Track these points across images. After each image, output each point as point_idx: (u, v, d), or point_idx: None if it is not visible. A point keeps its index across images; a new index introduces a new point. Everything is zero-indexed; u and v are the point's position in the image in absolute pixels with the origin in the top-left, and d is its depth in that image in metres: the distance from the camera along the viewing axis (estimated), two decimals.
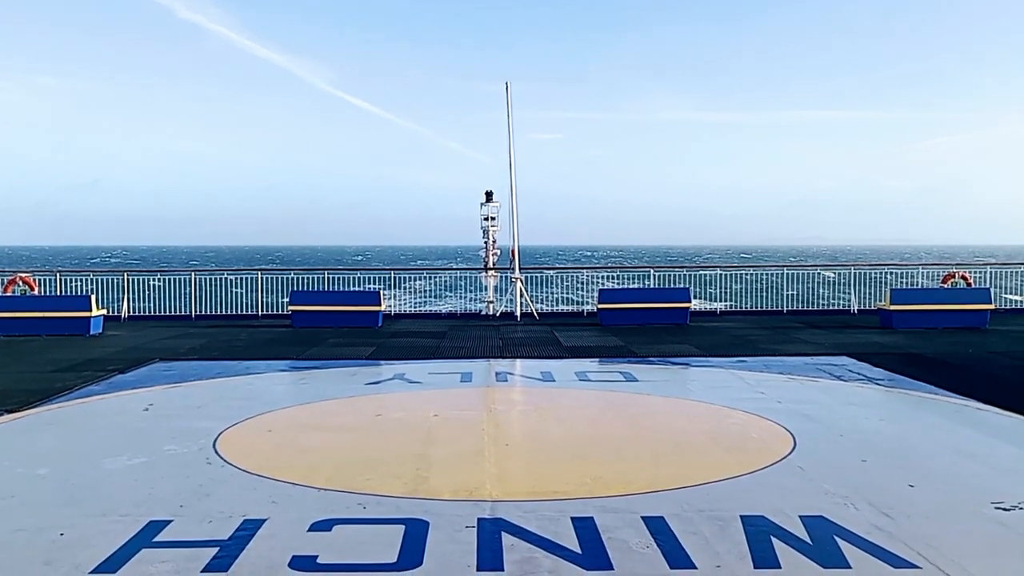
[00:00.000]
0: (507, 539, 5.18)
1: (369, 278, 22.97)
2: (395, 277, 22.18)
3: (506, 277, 20.04)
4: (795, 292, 21.65)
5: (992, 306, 17.66)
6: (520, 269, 19.72)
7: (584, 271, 24.74)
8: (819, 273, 23.40)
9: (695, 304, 19.72)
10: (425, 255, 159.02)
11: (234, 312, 20.68)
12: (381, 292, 19.11)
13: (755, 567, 4.77)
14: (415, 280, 27.08)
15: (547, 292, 23.29)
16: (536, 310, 19.90)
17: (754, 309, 21.61)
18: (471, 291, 23.69)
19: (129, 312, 20.03)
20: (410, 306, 22.35)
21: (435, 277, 27.55)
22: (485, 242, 19.91)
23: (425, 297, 26.14)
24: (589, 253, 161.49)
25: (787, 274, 22.12)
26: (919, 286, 21.04)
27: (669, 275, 22.97)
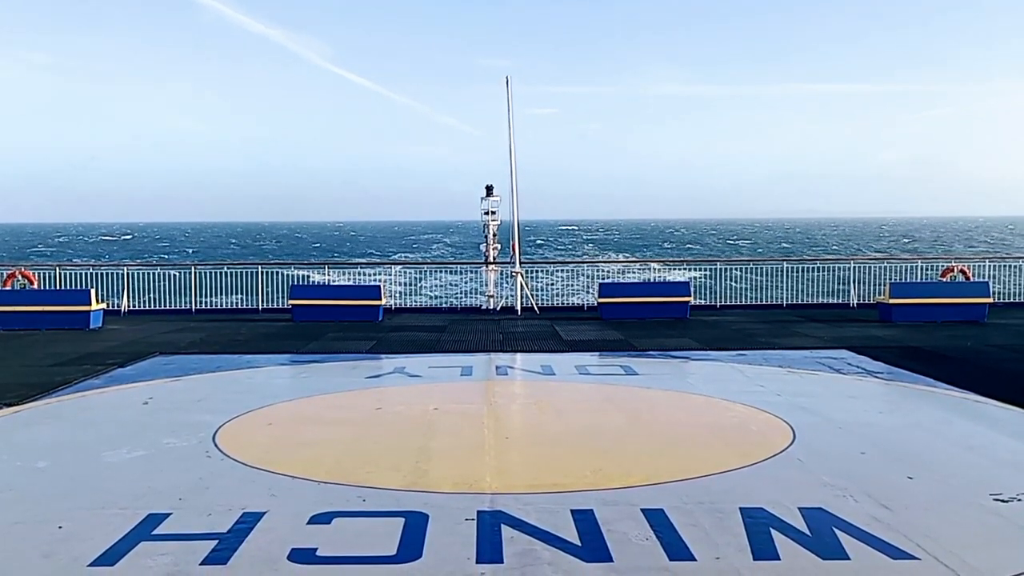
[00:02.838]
0: (507, 531, 5.18)
1: (369, 272, 22.93)
2: (396, 272, 22.16)
3: (506, 271, 20.01)
4: (794, 286, 21.60)
5: (991, 300, 17.66)
6: (521, 263, 19.69)
7: (584, 265, 24.71)
8: (818, 267, 23.37)
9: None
10: (421, 230, 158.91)
11: (234, 306, 20.66)
12: (382, 285, 19.07)
13: (754, 559, 4.78)
14: (415, 261, 27.21)
15: (546, 282, 23.29)
16: (536, 304, 19.89)
17: (754, 303, 21.59)
18: (471, 273, 23.70)
19: (129, 306, 20.01)
20: (411, 281, 22.33)
21: (435, 270, 27.69)
22: (486, 236, 19.85)
23: (423, 273, 26.29)
24: (579, 228, 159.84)
25: (786, 268, 22.07)
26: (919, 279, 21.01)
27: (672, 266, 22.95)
